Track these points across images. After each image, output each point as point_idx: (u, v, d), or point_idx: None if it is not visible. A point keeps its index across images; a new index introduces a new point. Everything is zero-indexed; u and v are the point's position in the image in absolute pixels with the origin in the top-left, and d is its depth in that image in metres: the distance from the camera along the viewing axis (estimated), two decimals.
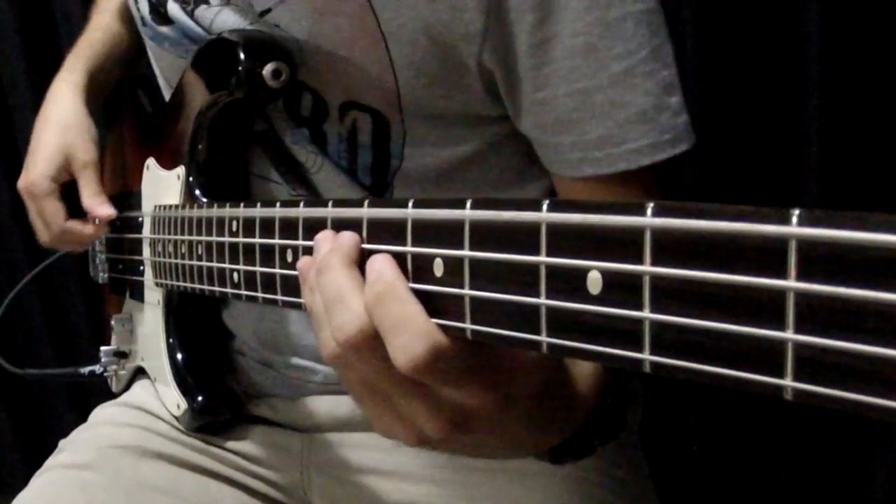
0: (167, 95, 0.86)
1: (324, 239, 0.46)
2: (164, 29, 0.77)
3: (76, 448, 0.83)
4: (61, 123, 0.87)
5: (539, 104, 0.63)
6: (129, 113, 0.96)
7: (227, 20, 0.71)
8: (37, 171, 0.85)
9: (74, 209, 0.87)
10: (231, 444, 0.83)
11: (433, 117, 0.69)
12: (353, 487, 0.79)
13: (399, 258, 0.43)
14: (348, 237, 0.45)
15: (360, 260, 0.44)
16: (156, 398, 0.85)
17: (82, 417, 0.89)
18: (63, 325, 1.39)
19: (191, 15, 0.73)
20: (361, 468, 0.79)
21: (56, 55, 1.26)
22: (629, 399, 0.57)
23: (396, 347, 0.40)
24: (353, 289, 0.43)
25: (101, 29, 0.95)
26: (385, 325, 0.40)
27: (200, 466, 0.81)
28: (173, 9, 0.74)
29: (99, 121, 0.90)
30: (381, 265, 0.42)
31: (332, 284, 0.43)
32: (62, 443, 0.85)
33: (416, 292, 0.43)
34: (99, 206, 0.85)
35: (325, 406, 0.80)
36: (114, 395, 0.92)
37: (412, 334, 0.40)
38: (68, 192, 0.87)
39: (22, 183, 0.86)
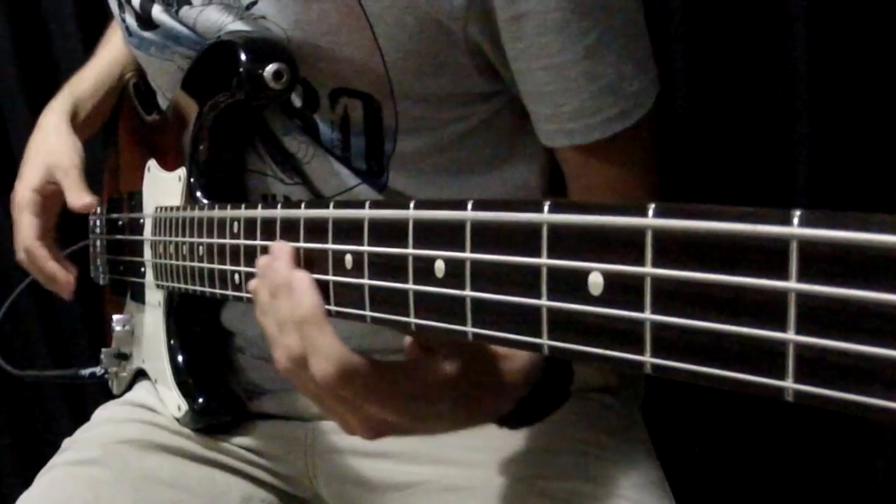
0: (161, 101, 0.86)
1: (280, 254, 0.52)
2: (148, 34, 0.78)
3: (81, 446, 0.83)
4: (47, 142, 0.89)
5: (518, 74, 0.65)
6: (127, 116, 0.96)
7: (209, 17, 0.72)
8: (22, 183, 0.88)
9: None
10: (235, 439, 0.83)
11: (424, 98, 0.69)
12: (358, 472, 0.80)
13: (400, 259, 0.43)
14: (310, 300, 0.49)
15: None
16: (157, 398, 0.85)
17: (79, 421, 0.88)
18: (58, 328, 1.39)
19: (175, 17, 0.74)
20: (366, 452, 0.79)
21: (51, 69, 1.26)
22: (568, 376, 0.60)
23: (315, 369, 0.48)
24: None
25: (93, 64, 0.97)
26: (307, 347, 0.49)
27: (206, 458, 0.81)
28: (157, 13, 0.75)
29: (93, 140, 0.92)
30: (304, 292, 0.50)
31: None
32: (66, 442, 0.85)
33: (418, 293, 0.43)
34: (79, 199, 0.85)
35: None
36: (110, 399, 0.92)
37: (325, 357, 0.48)
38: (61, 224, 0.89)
39: (12, 196, 0.89)
